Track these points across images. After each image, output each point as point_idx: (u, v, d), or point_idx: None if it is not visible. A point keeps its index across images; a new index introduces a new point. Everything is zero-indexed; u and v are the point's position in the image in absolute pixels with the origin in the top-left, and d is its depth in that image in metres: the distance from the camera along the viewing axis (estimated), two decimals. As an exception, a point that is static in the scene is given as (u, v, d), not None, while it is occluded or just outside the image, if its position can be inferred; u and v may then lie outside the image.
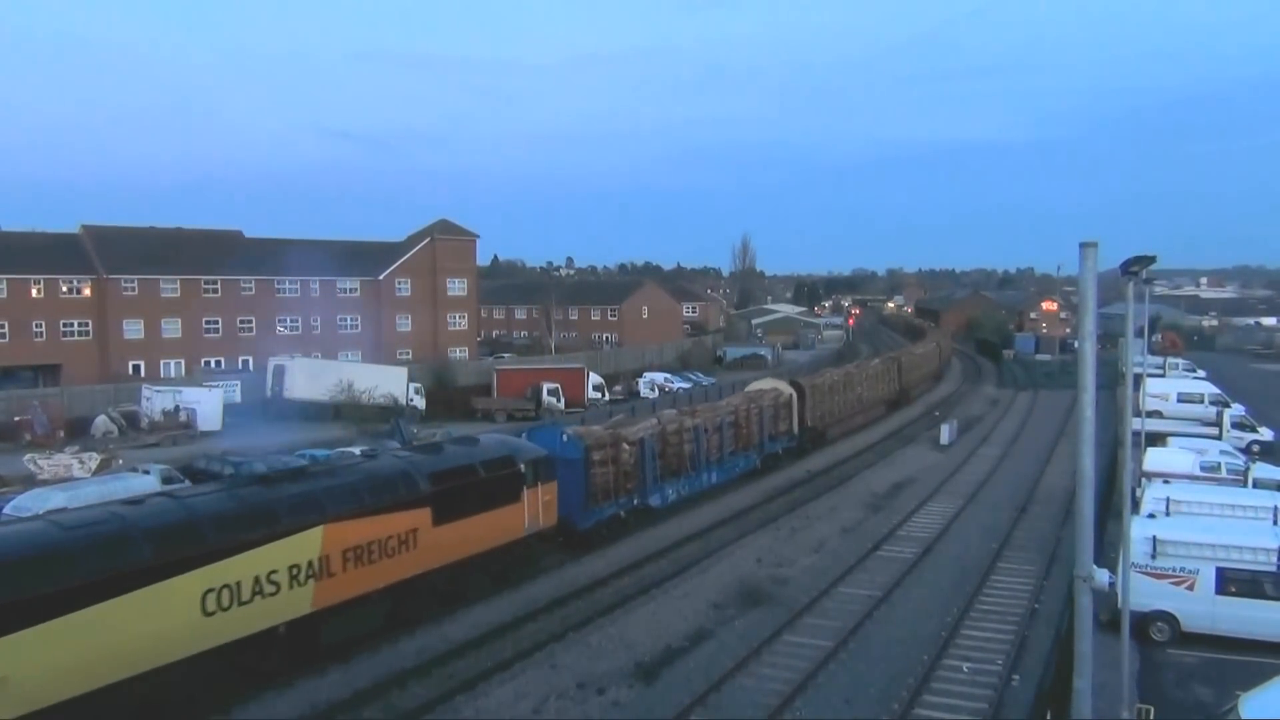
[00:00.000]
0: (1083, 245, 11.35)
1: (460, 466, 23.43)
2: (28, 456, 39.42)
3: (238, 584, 17.33)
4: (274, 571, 18.04)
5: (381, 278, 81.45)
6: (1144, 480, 30.45)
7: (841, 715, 17.95)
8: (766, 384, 46.80)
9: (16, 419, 49.41)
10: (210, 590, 16.84)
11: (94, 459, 38.48)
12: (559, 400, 64.86)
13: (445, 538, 22.17)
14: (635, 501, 31.46)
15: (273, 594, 17.99)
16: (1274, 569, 20.91)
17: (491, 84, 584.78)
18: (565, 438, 28.56)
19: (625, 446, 30.47)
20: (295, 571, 18.49)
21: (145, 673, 15.88)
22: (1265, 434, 45.60)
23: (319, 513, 19.20)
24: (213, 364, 70.50)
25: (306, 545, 18.76)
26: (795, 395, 45.36)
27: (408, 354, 79.76)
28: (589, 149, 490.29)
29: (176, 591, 16.33)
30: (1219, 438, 43.37)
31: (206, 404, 54.23)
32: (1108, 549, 25.56)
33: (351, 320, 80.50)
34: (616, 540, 29.89)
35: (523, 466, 25.25)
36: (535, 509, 25.62)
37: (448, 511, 22.22)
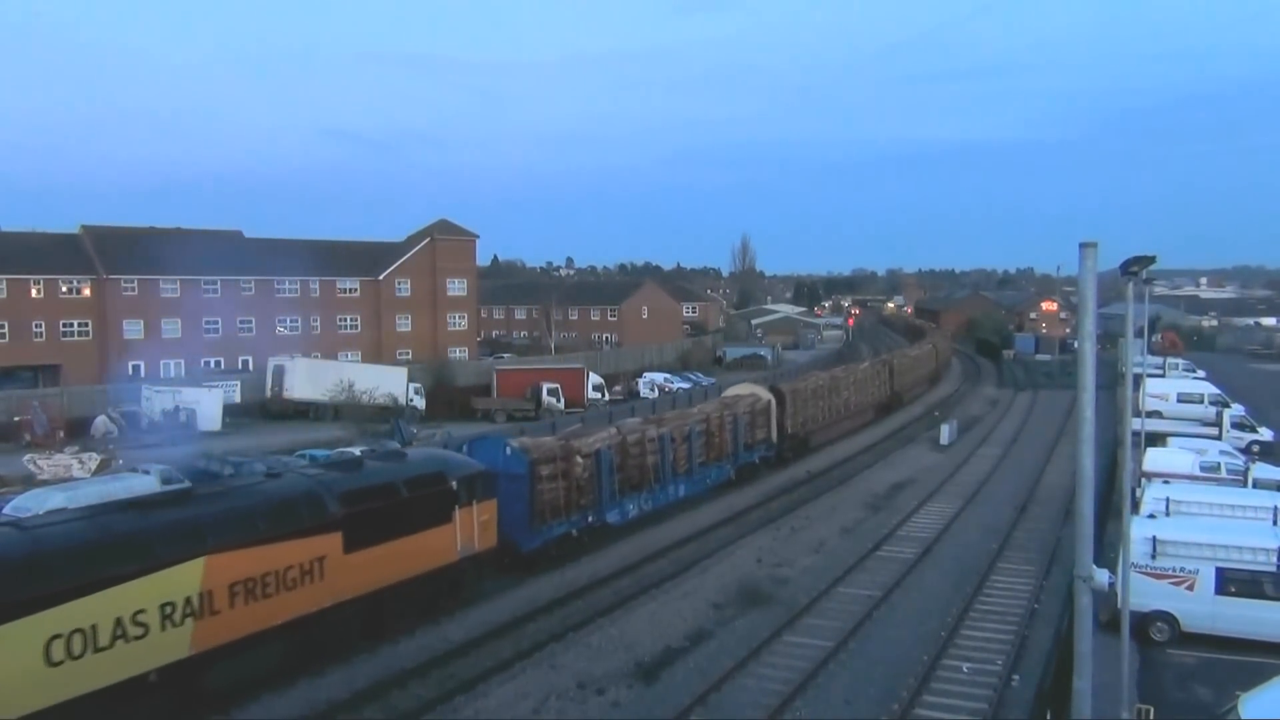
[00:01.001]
0: (1083, 245, 11.35)
1: (379, 485, 21.15)
2: (27, 457, 39.42)
3: (94, 628, 15.07)
4: (142, 611, 15.81)
5: (381, 278, 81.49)
6: (1144, 480, 30.45)
7: (841, 715, 17.95)
8: (744, 389, 44.45)
9: (16, 419, 49.43)
10: (58, 636, 14.61)
11: (94, 459, 38.48)
12: (559, 400, 64.90)
13: (360, 566, 19.90)
14: (590, 519, 28.90)
15: (140, 637, 15.74)
16: (1274, 569, 20.91)
17: (491, 84, 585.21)
18: (509, 451, 26.28)
19: (578, 459, 28.03)
20: (169, 610, 16.21)
21: None
22: (1265, 434, 45.62)
23: (199, 542, 16.89)
24: (212, 364, 70.51)
25: (184, 580, 16.42)
26: (774, 401, 42.91)
27: (408, 354, 79.80)
28: (589, 149, 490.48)
29: (9, 639, 14.08)
30: (1219, 438, 43.39)
31: (206, 404, 54.25)
32: (1108, 549, 25.56)
33: (351, 320, 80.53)
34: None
35: (455, 483, 22.78)
36: (470, 530, 23.13)
37: (363, 536, 19.98)
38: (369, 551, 20.18)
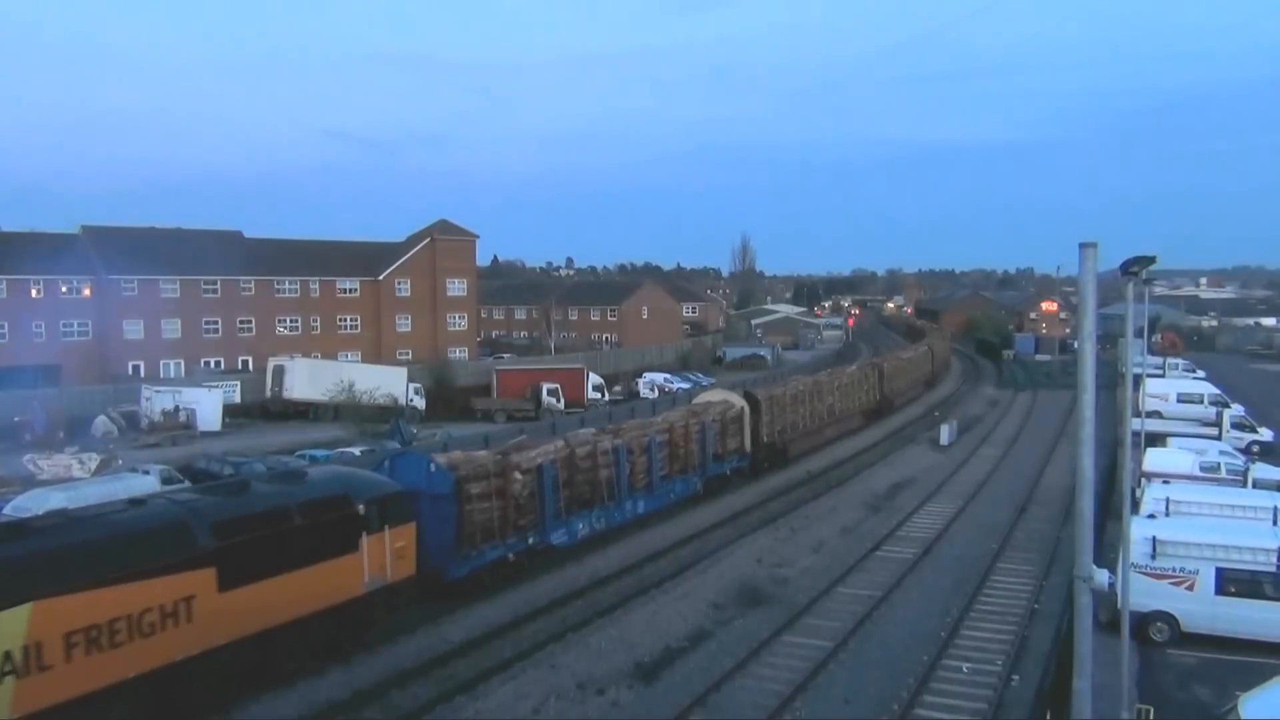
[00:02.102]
0: (1082, 245, 11.36)
1: (265, 512, 18.67)
2: (27, 457, 39.41)
3: None
4: None
5: (381, 278, 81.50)
6: (1144, 480, 30.46)
7: (841, 715, 17.95)
8: (715, 395, 42.06)
9: (16, 419, 49.38)
10: None
11: (94, 459, 38.48)
12: (559, 400, 64.91)
13: (239, 605, 17.41)
14: (531, 540, 26.33)
15: None
16: (1274, 569, 20.92)
17: (491, 84, 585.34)
18: (432, 468, 23.87)
19: (517, 476, 25.52)
20: None
21: None
22: (1265, 434, 45.63)
23: (24, 586, 14.46)
24: (212, 364, 70.52)
25: (1, 632, 14.04)
26: (747, 408, 40.38)
27: (408, 354, 79.82)
28: (589, 149, 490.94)
29: None
30: (1218, 438, 43.39)
31: (206, 404, 54.27)
32: (1108, 549, 25.54)
33: (351, 320, 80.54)
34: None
35: (362, 507, 20.33)
36: (380, 558, 20.70)
37: (243, 571, 17.53)
38: (252, 589, 17.70)
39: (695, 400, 42.14)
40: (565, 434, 31.18)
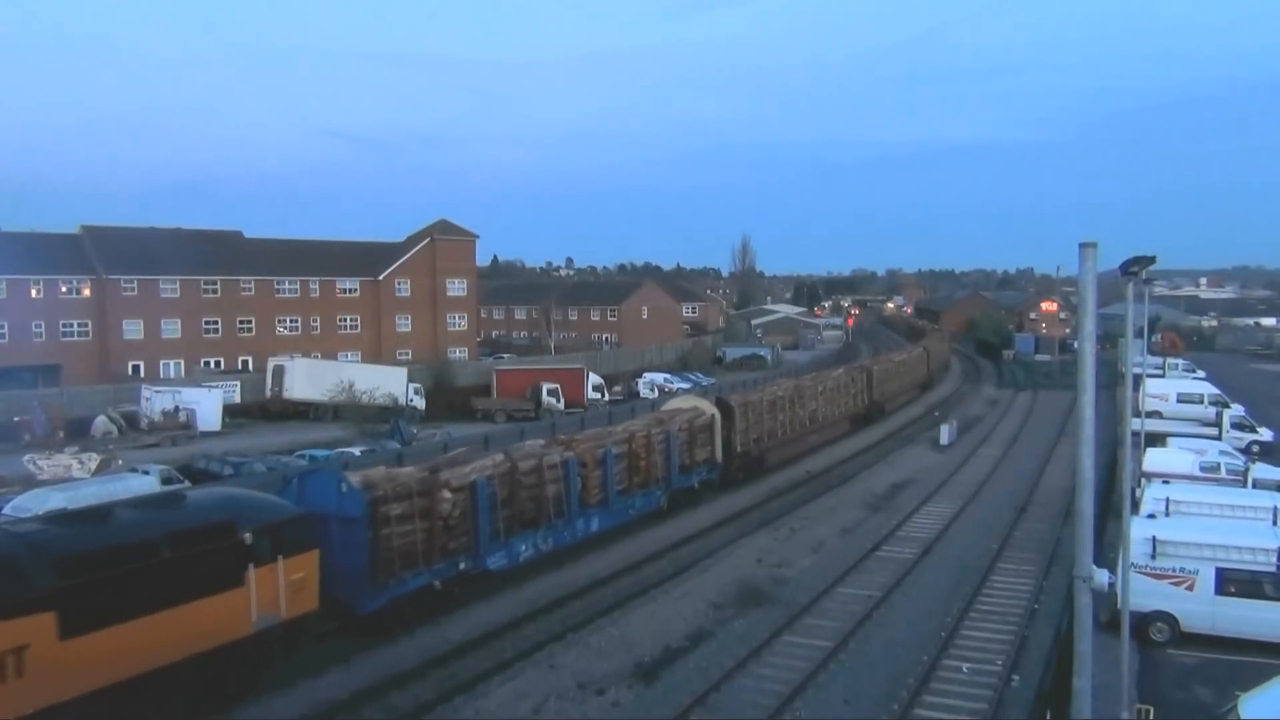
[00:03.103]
0: (1082, 245, 11.37)
1: (125, 544, 16.08)
2: (27, 457, 39.45)
3: None
4: None
5: (381, 278, 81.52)
6: (1144, 480, 30.46)
7: (841, 715, 17.95)
8: (685, 402, 39.42)
9: (16, 419, 49.43)
10: None
11: (94, 459, 38.51)
12: (559, 400, 64.92)
13: (87, 654, 14.91)
14: (463, 565, 23.69)
15: None
16: (1274, 569, 20.91)
17: (491, 84, 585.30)
18: (344, 488, 21.21)
19: (445, 494, 22.93)
20: None
21: None
22: (1265, 434, 45.64)
23: None
24: (212, 364, 70.55)
25: None
26: (719, 416, 37.71)
27: (408, 354, 79.86)
28: (589, 149, 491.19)
29: None
30: (1218, 438, 43.40)
31: (206, 404, 54.29)
32: (1107, 549, 25.57)
33: (351, 320, 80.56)
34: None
35: (249, 535, 17.75)
36: (272, 593, 18.09)
37: (94, 614, 15.08)
38: (105, 634, 15.19)
39: (663, 408, 39.50)
40: (508, 447, 28.08)
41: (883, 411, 61.82)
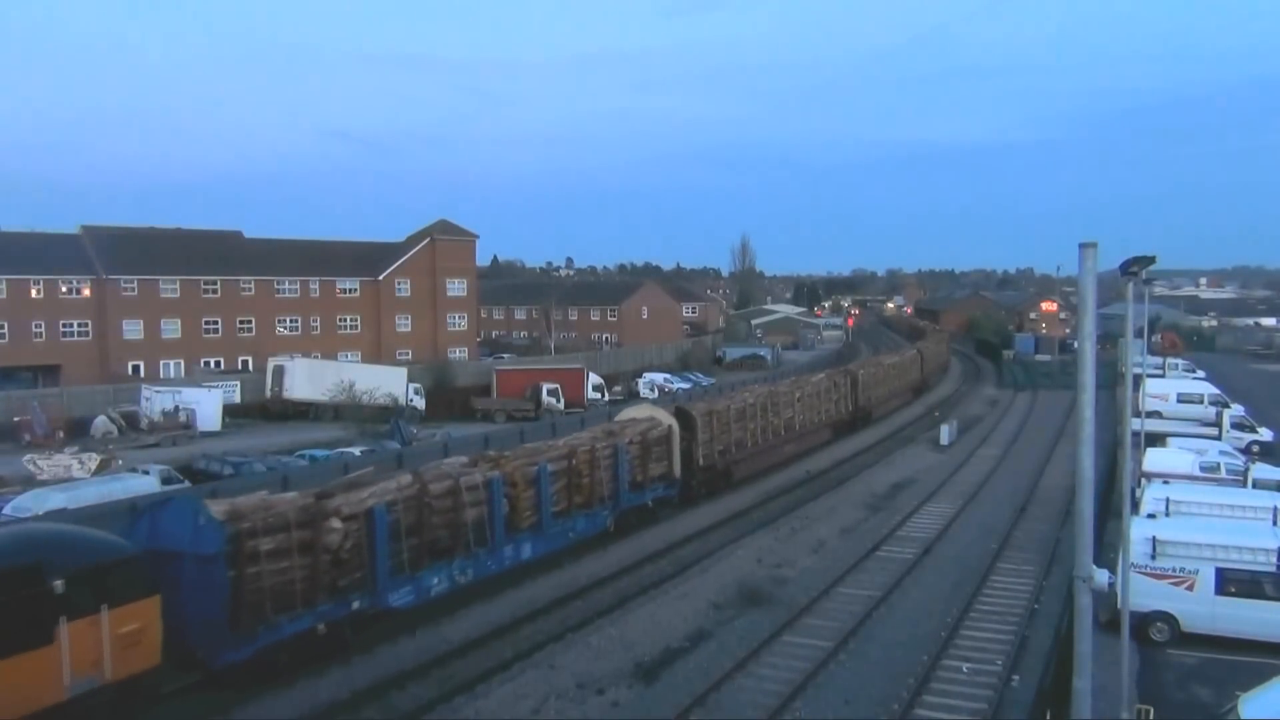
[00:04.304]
0: (1082, 245, 11.36)
1: None
2: (27, 457, 39.47)
3: None
4: None
5: (381, 278, 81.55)
6: (1144, 480, 30.47)
7: (841, 715, 17.94)
8: (640, 412, 36.07)
9: (16, 419, 49.46)
10: None
11: (94, 459, 38.51)
12: (559, 400, 64.92)
13: None
14: (357, 604, 20.51)
15: None
16: (1274, 569, 20.92)
17: (491, 84, 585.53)
18: (202, 520, 18.02)
19: (335, 523, 19.89)
20: None
21: None
22: (1265, 434, 45.66)
23: None
24: (212, 364, 70.58)
25: None
26: (678, 427, 34.64)
27: (408, 354, 79.88)
28: (589, 149, 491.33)
29: None
30: (1218, 438, 43.42)
31: (206, 404, 54.28)
32: (1107, 549, 25.57)
33: (351, 320, 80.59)
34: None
35: (60, 582, 14.73)
36: (93, 650, 15.16)
37: None
38: None
39: (617, 417, 36.24)
40: (421, 467, 24.83)
41: (869, 418, 59.21)
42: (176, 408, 52.85)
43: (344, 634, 20.43)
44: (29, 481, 35.54)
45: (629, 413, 36.45)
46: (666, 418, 34.88)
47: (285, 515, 19.14)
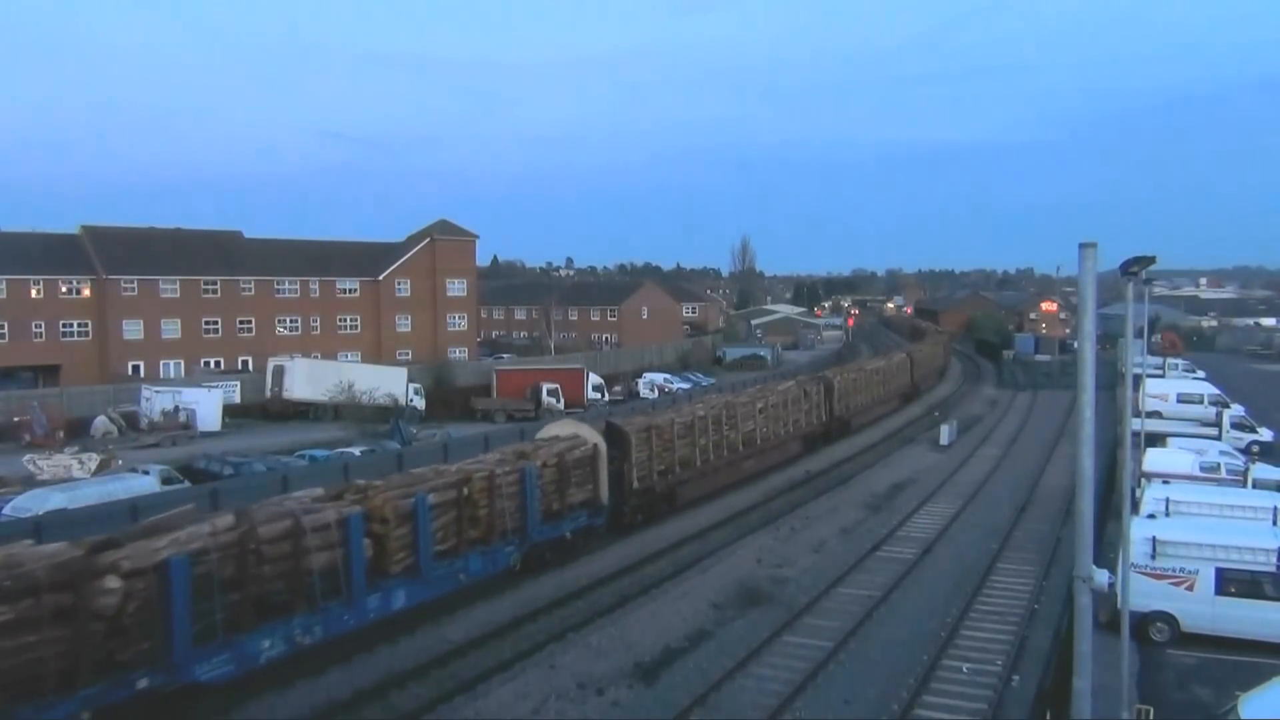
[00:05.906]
0: (1082, 246, 11.37)
1: None
2: (27, 457, 39.47)
3: None
4: None
5: (381, 278, 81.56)
6: (1144, 481, 30.48)
7: (841, 715, 17.96)
8: (563, 429, 31.44)
9: (16, 419, 49.45)
10: None
11: (93, 459, 38.50)
12: (559, 400, 64.92)
13: None
14: (145, 683, 15.93)
15: None
16: (1273, 569, 20.93)
17: (491, 84, 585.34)
18: None
19: (111, 582, 15.28)
20: None
21: None
22: (1265, 434, 45.69)
23: None
24: (212, 364, 70.59)
25: None
26: (605, 446, 30.30)
27: (408, 354, 79.87)
28: (589, 149, 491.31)
29: None
30: (1218, 438, 43.44)
31: (206, 404, 54.28)
32: (1107, 549, 25.58)
33: (351, 320, 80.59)
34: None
35: None
36: None
37: None
38: None
39: (537, 435, 32.17)
40: (245, 506, 19.60)
41: (848, 428, 54.69)
42: (176, 408, 52.86)
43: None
44: (29, 481, 35.52)
45: (550, 430, 32.01)
46: (593, 435, 30.53)
47: (32, 576, 14.57)
